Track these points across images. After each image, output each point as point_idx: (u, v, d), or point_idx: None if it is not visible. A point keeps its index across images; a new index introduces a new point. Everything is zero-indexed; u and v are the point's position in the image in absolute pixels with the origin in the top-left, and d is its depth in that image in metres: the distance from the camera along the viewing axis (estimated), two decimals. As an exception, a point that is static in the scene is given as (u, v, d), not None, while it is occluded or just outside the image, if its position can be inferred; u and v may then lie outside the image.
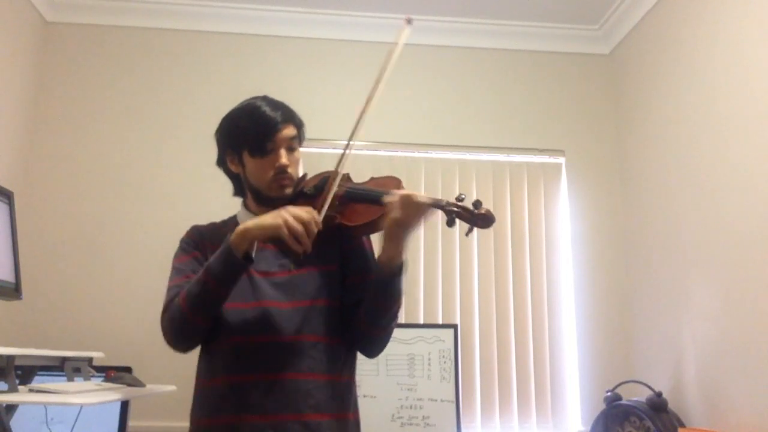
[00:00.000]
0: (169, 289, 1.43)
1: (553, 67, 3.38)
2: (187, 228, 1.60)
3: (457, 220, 1.33)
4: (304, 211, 1.28)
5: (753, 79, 2.28)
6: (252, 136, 1.44)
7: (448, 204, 1.33)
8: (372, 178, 1.53)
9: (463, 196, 1.34)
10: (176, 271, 1.47)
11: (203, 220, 1.63)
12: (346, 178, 1.50)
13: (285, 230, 1.25)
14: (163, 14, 3.20)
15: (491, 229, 3.22)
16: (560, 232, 3.21)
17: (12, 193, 2.15)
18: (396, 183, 1.45)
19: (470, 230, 1.33)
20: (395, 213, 1.31)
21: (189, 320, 1.35)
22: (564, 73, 3.38)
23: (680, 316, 2.64)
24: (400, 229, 1.33)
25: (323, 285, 1.43)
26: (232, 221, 1.55)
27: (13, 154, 2.88)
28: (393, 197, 1.33)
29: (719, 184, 2.43)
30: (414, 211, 1.31)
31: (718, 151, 2.45)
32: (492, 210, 1.33)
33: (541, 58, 3.38)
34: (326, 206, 1.37)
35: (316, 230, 1.27)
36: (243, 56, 3.24)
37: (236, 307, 1.39)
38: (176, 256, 1.51)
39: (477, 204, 1.32)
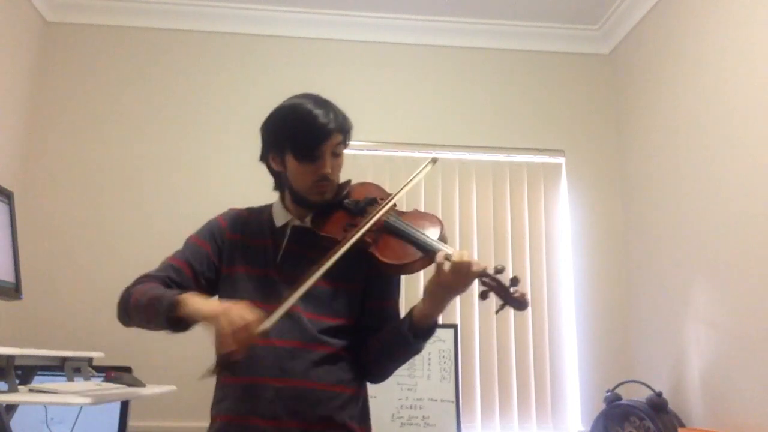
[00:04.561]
0: (164, 261, 1.46)
1: (553, 67, 3.38)
2: (190, 228, 1.58)
3: (491, 295, 1.29)
4: (241, 318, 1.18)
5: (753, 79, 2.28)
6: (300, 141, 1.40)
7: (485, 275, 1.28)
8: (415, 210, 1.50)
9: (502, 268, 1.28)
10: (181, 249, 1.48)
11: (204, 221, 1.61)
12: (393, 207, 1.46)
13: (219, 324, 1.18)
14: (164, 14, 3.20)
15: (492, 230, 3.23)
16: (560, 232, 3.21)
17: (12, 193, 2.15)
18: (439, 226, 1.41)
19: (501, 308, 1.29)
20: (446, 277, 1.26)
21: (130, 318, 1.40)
22: (564, 73, 3.38)
23: (680, 316, 2.64)
24: (444, 292, 1.29)
25: (346, 302, 1.43)
26: (267, 210, 1.55)
27: (13, 154, 2.88)
28: (440, 256, 1.28)
29: (719, 183, 2.43)
30: (464, 279, 1.27)
31: (718, 150, 2.45)
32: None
33: (541, 58, 3.38)
34: (330, 263, 1.32)
35: (245, 342, 1.17)
36: (244, 56, 3.24)
37: (258, 306, 1.35)
38: (195, 233, 1.52)
39: (514, 282, 1.27)
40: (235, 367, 1.23)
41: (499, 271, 1.28)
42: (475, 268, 1.26)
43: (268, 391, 1.31)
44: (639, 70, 3.12)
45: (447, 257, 1.27)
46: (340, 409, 1.35)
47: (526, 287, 3.11)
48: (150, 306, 1.32)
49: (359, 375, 1.45)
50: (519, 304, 1.27)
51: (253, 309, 1.21)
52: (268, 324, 1.22)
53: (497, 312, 1.29)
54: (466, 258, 1.26)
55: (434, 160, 1.57)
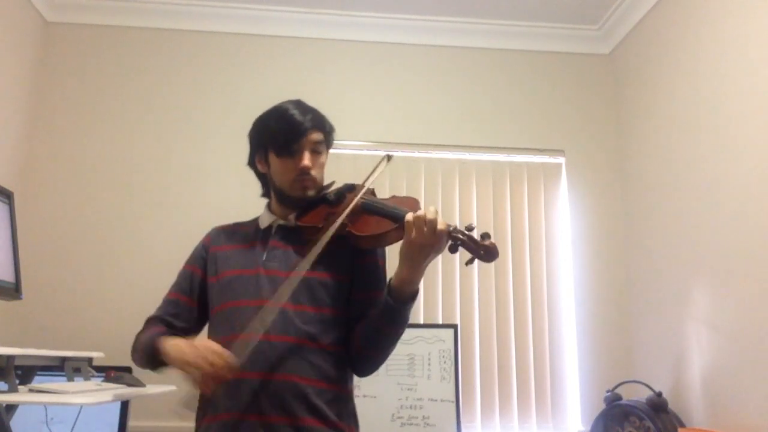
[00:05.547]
0: (164, 298, 1.55)
1: (553, 67, 3.38)
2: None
3: (461, 248, 1.31)
4: (219, 356, 1.23)
5: (753, 79, 2.28)
6: (279, 137, 1.47)
7: (455, 230, 1.31)
8: (393, 196, 1.54)
9: (473, 226, 1.32)
10: (175, 282, 1.56)
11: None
12: (370, 192, 1.50)
13: (191, 369, 1.24)
14: (164, 14, 3.20)
15: (492, 230, 3.22)
16: (560, 232, 3.21)
17: (12, 193, 2.15)
18: (415, 203, 1.43)
19: (471, 260, 1.31)
20: (411, 234, 1.29)
21: (138, 362, 1.50)
22: (564, 73, 3.38)
23: (680, 316, 2.64)
24: (416, 251, 1.30)
25: (333, 294, 1.43)
26: (253, 222, 1.59)
27: (13, 154, 2.88)
28: (409, 216, 1.31)
29: (719, 182, 2.43)
30: (430, 233, 1.29)
31: (718, 150, 2.45)
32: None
33: (541, 58, 3.38)
34: (321, 245, 1.35)
35: (227, 377, 1.23)
36: (244, 56, 3.24)
37: (239, 305, 1.40)
38: (186, 260, 1.58)
39: (484, 236, 1.30)
40: (214, 400, 1.31)
41: (469, 228, 1.32)
42: (441, 226, 1.29)
43: (254, 386, 1.31)
44: (639, 70, 3.12)
45: (414, 216, 1.30)
46: (327, 406, 1.35)
47: (526, 287, 3.12)
48: (146, 356, 1.44)
49: (347, 374, 1.45)
50: (489, 253, 1.29)
51: (218, 349, 1.24)
52: (238, 361, 1.24)
53: (467, 264, 1.33)
54: (431, 214, 1.29)
55: (389, 157, 1.58)
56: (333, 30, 3.28)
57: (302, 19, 3.25)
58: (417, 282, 1.35)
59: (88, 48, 3.16)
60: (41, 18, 3.10)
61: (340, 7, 3.21)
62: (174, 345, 1.33)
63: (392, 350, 1.44)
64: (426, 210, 1.30)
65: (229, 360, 1.22)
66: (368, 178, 1.51)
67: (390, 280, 1.37)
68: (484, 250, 1.29)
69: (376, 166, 1.55)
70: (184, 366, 1.26)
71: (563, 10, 3.22)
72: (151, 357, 1.40)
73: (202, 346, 1.25)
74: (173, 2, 3.17)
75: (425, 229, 1.28)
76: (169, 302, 1.53)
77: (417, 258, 1.31)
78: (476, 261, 1.31)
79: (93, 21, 3.18)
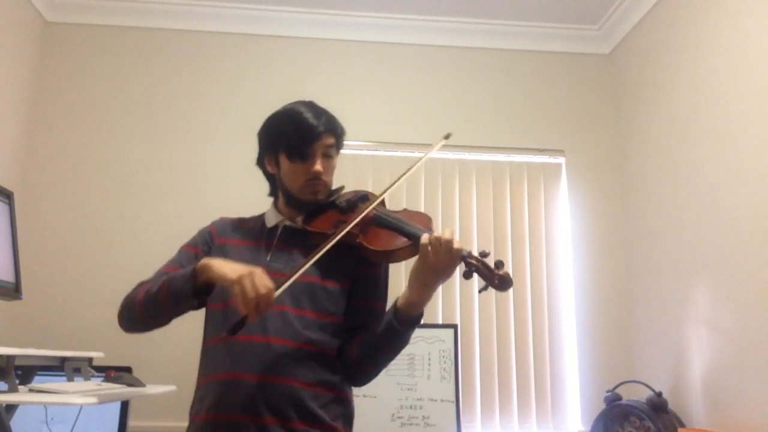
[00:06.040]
0: (157, 271, 1.49)
1: (553, 67, 3.38)
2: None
3: (475, 275, 1.29)
4: (264, 285, 1.21)
5: (753, 79, 2.28)
6: (291, 140, 1.45)
7: (470, 256, 1.29)
8: (405, 209, 1.52)
9: (487, 252, 1.29)
10: (173, 257, 1.52)
11: (203, 221, 1.63)
12: (381, 202, 1.49)
13: (237, 288, 1.21)
14: (164, 14, 3.20)
15: (492, 230, 3.22)
16: (560, 232, 3.21)
17: (12, 193, 2.15)
18: (428, 221, 1.42)
19: (485, 288, 1.29)
20: (426, 255, 1.27)
21: (137, 315, 1.41)
22: (564, 73, 3.38)
23: (680, 316, 2.64)
24: (429, 274, 1.28)
25: (336, 301, 1.43)
26: (259, 217, 1.58)
27: (12, 154, 2.88)
28: (424, 237, 1.28)
29: (719, 183, 2.43)
30: (445, 256, 1.26)
31: (718, 150, 2.45)
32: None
33: (541, 58, 3.38)
34: (326, 249, 1.33)
35: (264, 308, 1.21)
36: (244, 56, 3.24)
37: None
38: (186, 242, 1.56)
39: (499, 264, 1.27)
40: (210, 398, 1.30)
41: (484, 255, 1.29)
42: (457, 246, 1.26)
43: (249, 387, 1.31)
44: (639, 70, 3.12)
45: (431, 238, 1.28)
46: (322, 409, 1.34)
47: (526, 287, 3.12)
48: (166, 288, 1.35)
49: (344, 378, 1.44)
50: (503, 282, 1.26)
51: (268, 277, 1.24)
52: (278, 293, 1.25)
53: (480, 291, 1.30)
54: (448, 235, 1.27)
55: (448, 136, 1.57)
56: (333, 30, 3.28)
57: (302, 19, 3.25)
58: (424, 305, 1.33)
59: (88, 48, 3.16)
60: (41, 18, 3.10)
61: (340, 7, 3.21)
62: (224, 262, 1.30)
63: (388, 365, 1.43)
64: (443, 232, 1.28)
65: (271, 290, 1.21)
66: (423, 158, 1.50)
67: (396, 301, 1.36)
68: (498, 279, 1.26)
69: (435, 145, 1.55)
70: (229, 283, 1.23)
71: (563, 10, 3.22)
72: (183, 283, 1.32)
73: (257, 272, 1.23)
74: (173, 2, 3.17)
75: (441, 252, 1.26)
76: (165, 275, 1.44)
77: (428, 280, 1.29)
78: (489, 289, 1.29)
79: (93, 21, 3.18)
